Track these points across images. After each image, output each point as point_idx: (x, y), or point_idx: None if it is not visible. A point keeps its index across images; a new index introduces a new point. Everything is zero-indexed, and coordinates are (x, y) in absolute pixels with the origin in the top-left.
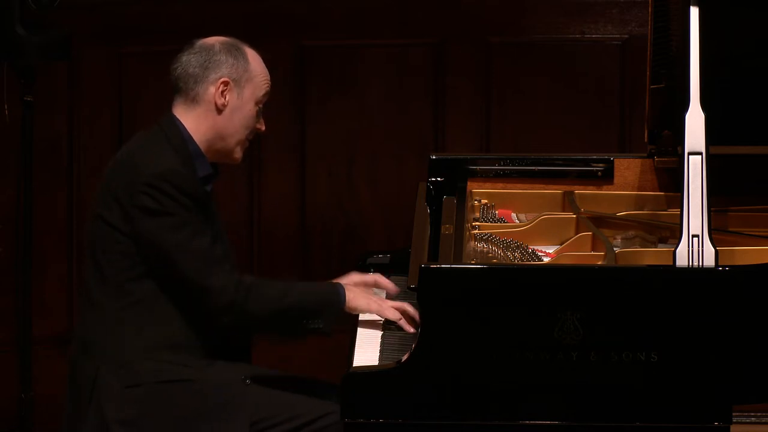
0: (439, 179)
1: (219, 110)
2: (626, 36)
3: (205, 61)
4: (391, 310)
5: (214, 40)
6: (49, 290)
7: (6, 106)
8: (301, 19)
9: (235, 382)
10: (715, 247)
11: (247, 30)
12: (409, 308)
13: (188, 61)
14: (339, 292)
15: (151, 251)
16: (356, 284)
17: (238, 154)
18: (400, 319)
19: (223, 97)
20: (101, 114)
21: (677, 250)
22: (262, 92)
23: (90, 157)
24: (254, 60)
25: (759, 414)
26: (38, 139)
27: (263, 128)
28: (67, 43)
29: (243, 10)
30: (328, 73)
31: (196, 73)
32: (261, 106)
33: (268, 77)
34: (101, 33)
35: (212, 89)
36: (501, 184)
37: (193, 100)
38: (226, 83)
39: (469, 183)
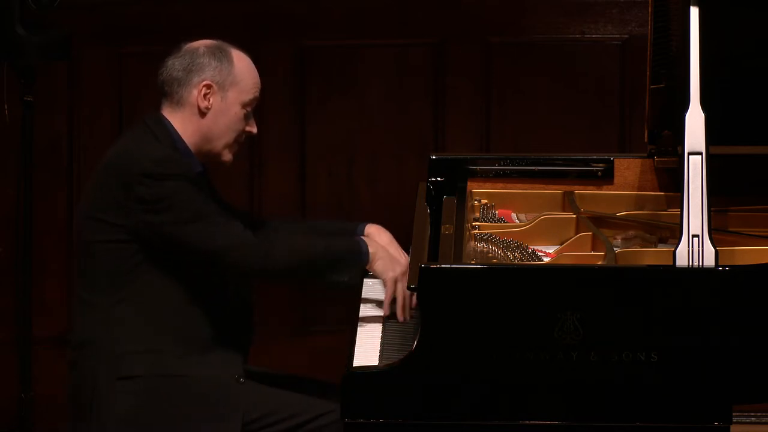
0: (439, 179)
1: (202, 113)
2: (626, 36)
3: (188, 65)
4: (401, 293)
5: (199, 44)
6: (49, 290)
7: (6, 106)
8: (301, 19)
9: (229, 380)
10: (715, 247)
11: (247, 30)
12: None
13: (173, 64)
14: (362, 251)
15: (158, 238)
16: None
17: (227, 156)
18: (401, 307)
19: (206, 100)
20: (101, 114)
21: (677, 250)
22: (249, 96)
23: (90, 157)
24: (240, 63)
25: (759, 414)
26: (38, 139)
27: (254, 131)
28: (67, 43)
29: (243, 10)
30: (328, 73)
31: (179, 76)
32: (250, 109)
33: (257, 81)
34: (101, 33)
35: (195, 92)
36: (501, 184)
37: (177, 103)
38: (208, 86)
39: (469, 183)
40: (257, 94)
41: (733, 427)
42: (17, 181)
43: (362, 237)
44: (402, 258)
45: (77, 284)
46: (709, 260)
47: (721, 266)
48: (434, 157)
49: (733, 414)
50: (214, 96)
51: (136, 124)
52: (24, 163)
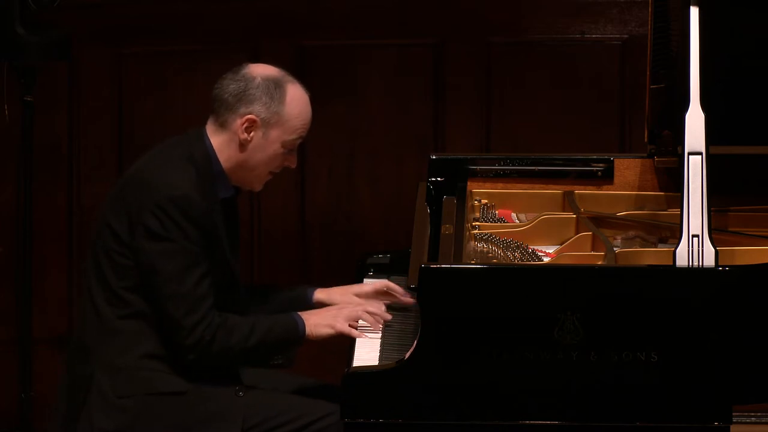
0: (439, 179)
1: (242, 144)
2: (626, 36)
3: (240, 92)
4: (347, 328)
5: (259, 72)
6: (49, 290)
7: (6, 106)
8: (301, 19)
9: (229, 390)
10: (715, 247)
11: (247, 30)
12: (365, 315)
13: (227, 86)
14: (298, 329)
15: (143, 269)
16: (366, 294)
17: (257, 186)
18: (361, 335)
19: (246, 132)
20: (101, 114)
21: (677, 250)
22: (293, 137)
23: (90, 157)
24: (293, 102)
25: (759, 414)
26: (38, 139)
27: (293, 166)
28: (67, 43)
29: (243, 9)
30: (328, 73)
31: (229, 100)
32: (292, 147)
33: (306, 122)
34: (101, 33)
35: (239, 122)
36: (501, 184)
37: (221, 125)
38: (252, 121)
39: (469, 183)
40: (303, 134)
41: (733, 427)
42: (17, 181)
43: (298, 315)
44: (330, 309)
45: (92, 284)
46: (709, 260)
47: (721, 266)
48: (434, 157)
49: (733, 414)
50: (256, 131)
51: (180, 136)
52: (24, 163)
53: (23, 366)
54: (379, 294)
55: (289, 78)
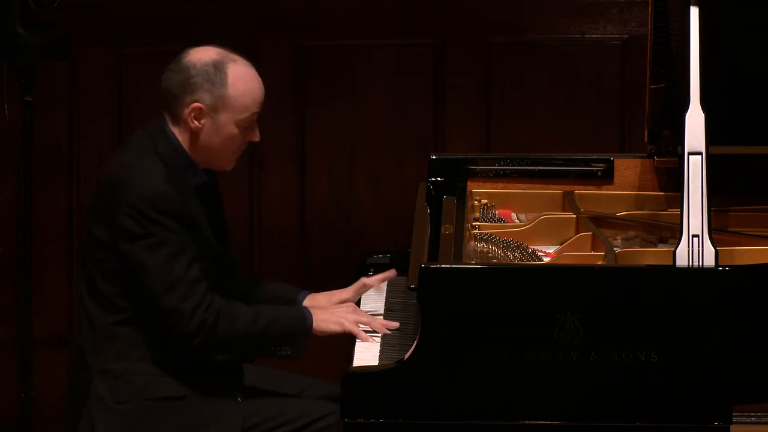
0: (439, 179)
1: (195, 132)
2: (626, 36)
3: (183, 82)
4: (356, 328)
5: (198, 58)
6: (49, 290)
7: (6, 106)
8: (301, 19)
9: (228, 394)
10: (715, 247)
11: (247, 30)
12: (373, 321)
13: (171, 78)
14: (306, 320)
15: (131, 271)
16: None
17: (228, 167)
18: (369, 339)
19: (196, 121)
20: (101, 114)
21: (677, 250)
22: (245, 115)
23: (90, 157)
24: (236, 83)
25: (759, 414)
26: (38, 139)
27: (257, 139)
28: (67, 43)
29: (243, 9)
30: (328, 73)
31: (175, 92)
32: (248, 124)
33: (256, 98)
34: (101, 33)
35: (187, 111)
36: (501, 184)
37: (174, 117)
38: (198, 109)
39: (469, 183)
40: (256, 110)
41: (733, 427)
42: (17, 181)
43: (306, 308)
44: (339, 307)
45: (84, 291)
46: (709, 260)
47: (721, 266)
48: (434, 157)
49: (733, 414)
50: (206, 118)
51: (143, 130)
52: (24, 163)
53: (23, 366)
54: (359, 293)
55: (231, 57)
